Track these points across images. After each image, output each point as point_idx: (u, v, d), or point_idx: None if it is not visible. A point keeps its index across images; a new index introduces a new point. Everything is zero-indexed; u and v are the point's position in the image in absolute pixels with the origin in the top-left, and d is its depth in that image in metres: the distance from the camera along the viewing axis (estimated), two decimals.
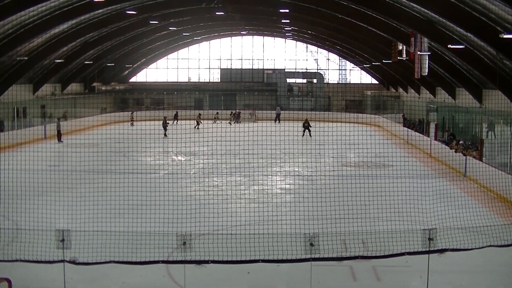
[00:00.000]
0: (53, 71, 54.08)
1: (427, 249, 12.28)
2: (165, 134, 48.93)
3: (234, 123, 59.10)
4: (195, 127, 54.22)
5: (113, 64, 67.66)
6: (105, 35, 52.16)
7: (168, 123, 50.43)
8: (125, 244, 13.90)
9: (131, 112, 63.94)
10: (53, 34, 44.34)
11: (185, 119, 51.95)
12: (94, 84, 69.88)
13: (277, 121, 62.90)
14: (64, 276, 12.38)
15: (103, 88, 72.78)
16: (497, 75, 34.97)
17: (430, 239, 12.20)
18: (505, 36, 27.91)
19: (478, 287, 15.49)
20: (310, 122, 51.35)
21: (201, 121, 56.24)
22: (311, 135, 49.53)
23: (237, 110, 65.89)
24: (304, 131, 50.35)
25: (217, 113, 64.10)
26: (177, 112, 62.47)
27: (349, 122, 58.14)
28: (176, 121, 59.70)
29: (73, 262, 12.29)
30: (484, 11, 28.71)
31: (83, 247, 13.00)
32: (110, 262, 12.51)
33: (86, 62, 59.15)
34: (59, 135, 46.35)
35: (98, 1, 38.03)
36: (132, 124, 57.76)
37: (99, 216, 17.13)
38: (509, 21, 27.77)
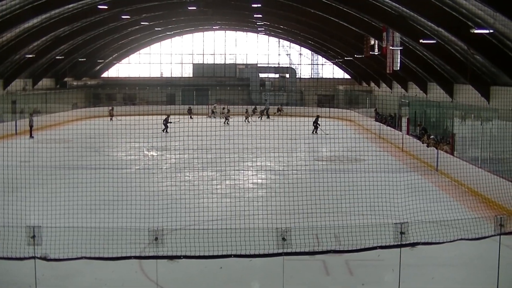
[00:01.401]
0: (24, 66, 53.54)
1: (399, 243, 12.32)
2: (166, 131, 48.07)
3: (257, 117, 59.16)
4: (224, 122, 53.91)
5: (84, 59, 67.20)
6: (76, 30, 51.73)
7: (170, 122, 47.47)
8: (97, 240, 13.82)
9: (110, 108, 63.03)
10: (24, 29, 43.89)
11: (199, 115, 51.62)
12: (66, 79, 69.31)
13: (267, 116, 62.76)
14: (35, 273, 12.28)
15: (75, 83, 72.27)
16: (468, 70, 35.23)
17: (401, 233, 12.24)
18: (476, 31, 28.12)
19: (449, 280, 15.60)
20: (319, 119, 51.05)
21: (230, 116, 56.00)
22: (317, 132, 49.25)
23: (255, 106, 66.07)
24: (314, 128, 49.97)
25: (224, 108, 64.15)
26: (190, 107, 62.47)
27: (322, 117, 58.25)
28: (190, 116, 59.34)
29: (44, 258, 12.18)
30: (455, 6, 28.89)
31: (54, 243, 12.91)
32: (82, 258, 12.44)
33: (57, 57, 58.62)
34: (30, 131, 46.00)
35: None
36: (111, 119, 57.31)
37: (70, 212, 17.03)
38: (480, 16, 27.97)
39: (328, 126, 47.30)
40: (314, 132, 49.48)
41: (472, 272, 16.28)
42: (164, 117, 48.71)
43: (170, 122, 46.88)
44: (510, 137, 25.12)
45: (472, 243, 13.93)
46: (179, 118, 45.20)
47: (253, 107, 65.53)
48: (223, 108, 58.22)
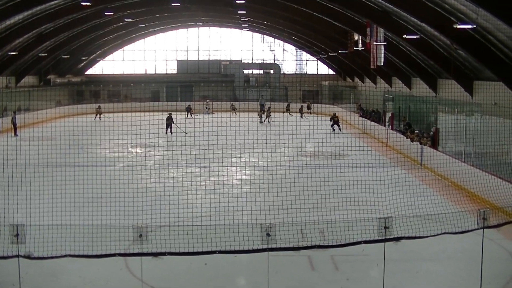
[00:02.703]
0: (7, 63, 53.19)
1: (383, 238, 12.36)
2: (170, 132, 45.18)
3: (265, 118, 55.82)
4: (260, 121, 52.74)
5: (68, 56, 66.93)
6: (60, 27, 51.53)
7: (173, 122, 45.06)
8: (81, 238, 13.79)
9: (97, 106, 61.08)
10: (7, 26, 43.61)
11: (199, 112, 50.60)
12: (49, 76, 69.05)
13: (262, 112, 62.32)
14: (19, 271, 12.23)
15: (59, 80, 71.95)
16: (452, 65, 35.38)
17: (386, 227, 12.26)
18: (459, 26, 28.22)
19: (433, 274, 15.67)
20: (338, 117, 49.67)
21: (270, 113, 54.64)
22: (341, 129, 47.89)
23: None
24: (332, 125, 48.00)
25: (232, 104, 63.93)
26: (189, 105, 61.31)
27: (306, 112, 58.37)
28: (189, 113, 58.75)
29: (28, 257, 12.11)
30: (438, 1, 29.00)
31: (38, 241, 12.84)
32: (66, 256, 12.37)
33: (41, 54, 58.38)
34: (15, 129, 45.75)
35: None
36: (99, 118, 56.76)
37: (54, 210, 16.95)
38: (462, 11, 28.09)
39: (313, 121, 47.35)
40: (333, 130, 47.55)
41: (456, 265, 16.37)
42: (166, 115, 45.40)
43: (173, 122, 44.77)
44: (493, 131, 25.25)
45: (456, 237, 13.99)
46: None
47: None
48: (268, 108, 56.46)
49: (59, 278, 14.99)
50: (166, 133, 44.96)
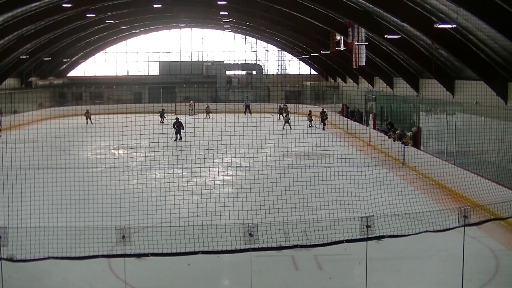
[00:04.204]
0: None
1: (365, 237, 12.41)
2: (180, 138, 42.12)
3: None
4: (283, 127, 49.47)
5: (50, 58, 66.50)
6: (41, 29, 51.17)
7: (182, 126, 41.92)
8: (64, 240, 13.75)
9: (85, 111, 58.53)
10: None
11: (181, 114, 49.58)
12: (31, 79, 68.62)
13: (247, 113, 62.28)
14: (1, 274, 12.19)
15: (40, 83, 71.56)
16: (433, 64, 35.52)
17: (367, 226, 12.33)
18: (440, 26, 28.36)
19: (415, 272, 15.78)
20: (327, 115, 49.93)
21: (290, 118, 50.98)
22: (324, 128, 48.46)
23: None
24: (320, 122, 48.73)
25: (208, 106, 62.95)
26: (163, 109, 57.71)
27: (289, 113, 58.23)
28: (163, 119, 54.97)
29: (10, 259, 12.08)
30: (419, 1, 29.13)
31: (21, 244, 12.80)
32: (48, 258, 12.33)
33: (22, 57, 57.92)
34: None
35: None
36: (90, 122, 55.75)
37: (37, 212, 16.89)
38: (443, 11, 28.24)
39: (295, 121, 47.50)
40: (311, 126, 48.47)
41: (438, 263, 16.47)
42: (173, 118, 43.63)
43: (182, 126, 41.74)
44: (474, 130, 25.43)
45: (438, 235, 14.06)
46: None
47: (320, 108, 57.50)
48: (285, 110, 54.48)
49: (42, 280, 14.96)
50: (176, 139, 42.24)
